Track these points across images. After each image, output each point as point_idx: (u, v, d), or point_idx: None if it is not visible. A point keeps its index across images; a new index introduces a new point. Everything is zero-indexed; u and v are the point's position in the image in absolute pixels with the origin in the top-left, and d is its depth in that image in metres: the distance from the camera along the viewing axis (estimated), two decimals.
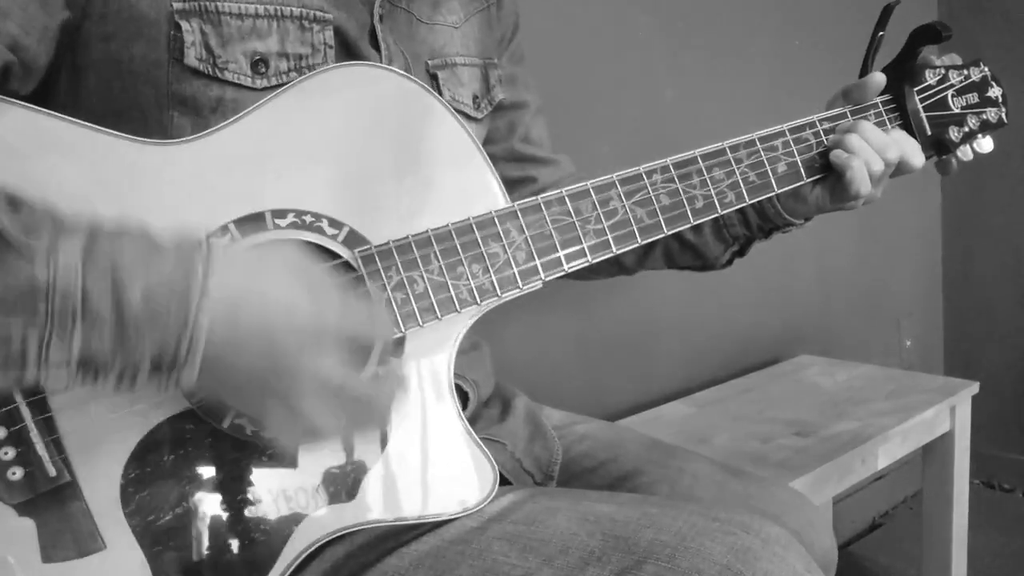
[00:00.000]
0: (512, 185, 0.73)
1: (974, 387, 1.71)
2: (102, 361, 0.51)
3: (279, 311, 0.55)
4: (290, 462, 0.64)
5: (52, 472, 0.58)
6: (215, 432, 0.62)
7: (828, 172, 0.88)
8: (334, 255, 0.67)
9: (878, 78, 0.90)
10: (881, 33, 0.93)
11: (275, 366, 0.55)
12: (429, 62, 0.84)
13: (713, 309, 1.88)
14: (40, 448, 0.57)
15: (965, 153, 0.95)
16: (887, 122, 0.92)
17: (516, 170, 1.00)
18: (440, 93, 0.83)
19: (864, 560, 2.16)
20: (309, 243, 0.66)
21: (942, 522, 1.75)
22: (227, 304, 0.53)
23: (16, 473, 0.57)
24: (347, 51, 0.74)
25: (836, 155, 0.86)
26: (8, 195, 0.51)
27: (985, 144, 0.96)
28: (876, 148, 0.86)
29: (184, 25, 0.66)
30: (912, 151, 0.89)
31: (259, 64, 0.69)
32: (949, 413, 1.67)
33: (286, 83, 0.69)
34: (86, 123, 0.60)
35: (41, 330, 0.49)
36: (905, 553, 2.12)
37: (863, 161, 0.84)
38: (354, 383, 0.58)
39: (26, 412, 0.57)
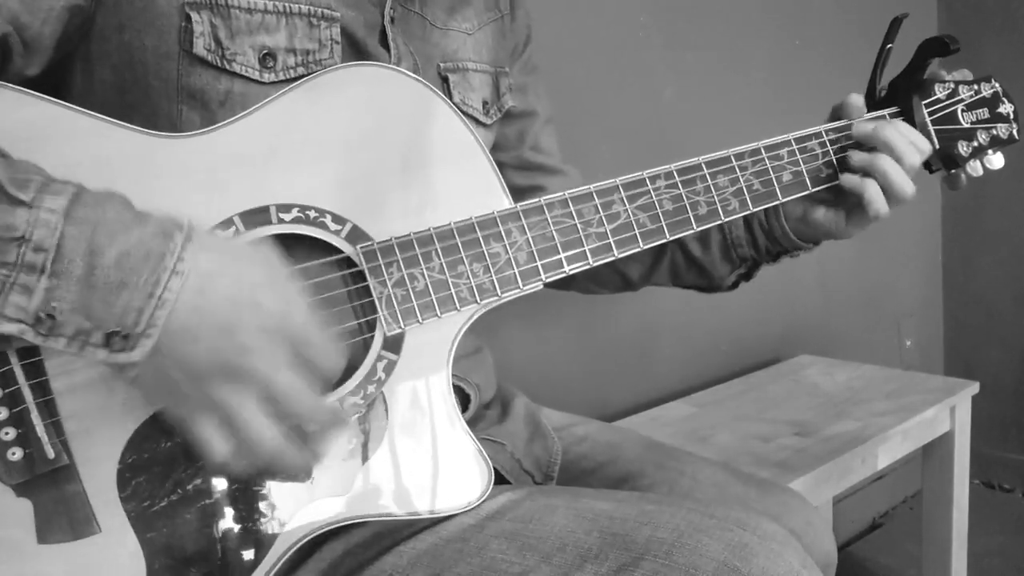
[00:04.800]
0: (521, 194, 0.73)
1: (974, 387, 1.71)
2: (59, 319, 0.51)
3: (247, 295, 0.55)
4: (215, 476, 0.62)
5: (51, 454, 0.58)
6: None
7: (834, 181, 0.87)
8: (337, 250, 0.67)
9: (853, 99, 0.89)
10: (889, 46, 0.92)
11: (233, 345, 0.54)
12: (441, 64, 0.84)
13: (713, 309, 1.88)
14: (40, 430, 0.58)
15: (975, 168, 0.94)
16: None
17: (524, 179, 1.01)
18: (450, 96, 0.84)
19: (864, 560, 2.16)
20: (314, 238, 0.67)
21: (942, 522, 1.75)
22: (198, 278, 0.53)
23: (16, 454, 0.58)
24: (355, 49, 0.75)
25: (847, 179, 0.84)
26: (2, 150, 0.53)
27: (996, 160, 0.95)
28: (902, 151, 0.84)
29: (194, 16, 0.67)
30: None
31: (267, 58, 0.69)
32: (949, 413, 1.67)
33: (293, 78, 0.70)
34: (99, 115, 0.61)
35: (5, 274, 0.50)
36: (905, 553, 2.12)
37: (881, 179, 0.83)
38: (302, 394, 0.56)
39: (28, 394, 0.58)
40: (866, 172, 0.84)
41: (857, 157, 0.85)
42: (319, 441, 0.59)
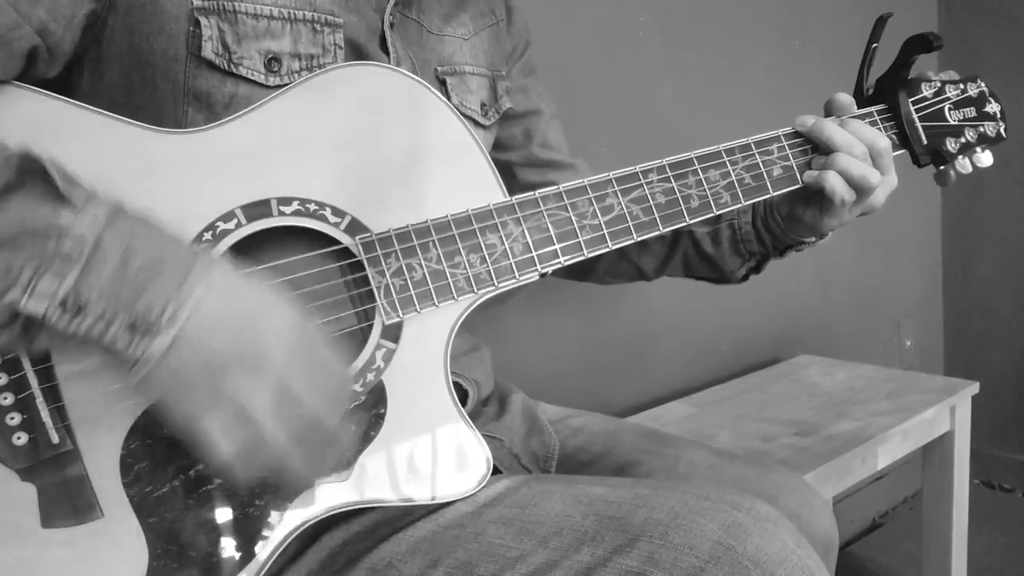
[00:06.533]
0: (533, 191, 0.74)
1: (974, 387, 1.71)
2: (84, 301, 0.52)
3: (269, 296, 0.59)
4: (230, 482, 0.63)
5: (55, 439, 0.59)
6: None
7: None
8: (336, 243, 0.69)
9: (840, 98, 0.90)
10: (875, 45, 0.93)
11: (254, 334, 0.56)
12: (438, 68, 0.86)
13: (713, 309, 1.88)
14: (44, 415, 0.59)
15: (964, 166, 0.96)
16: (882, 131, 0.92)
17: (536, 175, 1.03)
18: (448, 98, 0.85)
19: (864, 560, 2.16)
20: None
21: (942, 522, 1.75)
22: (223, 285, 0.56)
23: (21, 438, 0.59)
24: (357, 53, 0.77)
25: (808, 175, 0.86)
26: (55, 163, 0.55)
27: (984, 158, 0.97)
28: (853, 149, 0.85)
29: (203, 21, 0.68)
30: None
31: (272, 63, 0.71)
32: (949, 413, 1.67)
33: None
34: (106, 112, 0.63)
35: (39, 262, 0.51)
36: (905, 553, 2.12)
37: (840, 171, 0.84)
38: (316, 391, 0.58)
39: (33, 379, 0.59)
40: (827, 167, 0.85)
41: (818, 157, 0.87)
42: (321, 454, 0.61)
